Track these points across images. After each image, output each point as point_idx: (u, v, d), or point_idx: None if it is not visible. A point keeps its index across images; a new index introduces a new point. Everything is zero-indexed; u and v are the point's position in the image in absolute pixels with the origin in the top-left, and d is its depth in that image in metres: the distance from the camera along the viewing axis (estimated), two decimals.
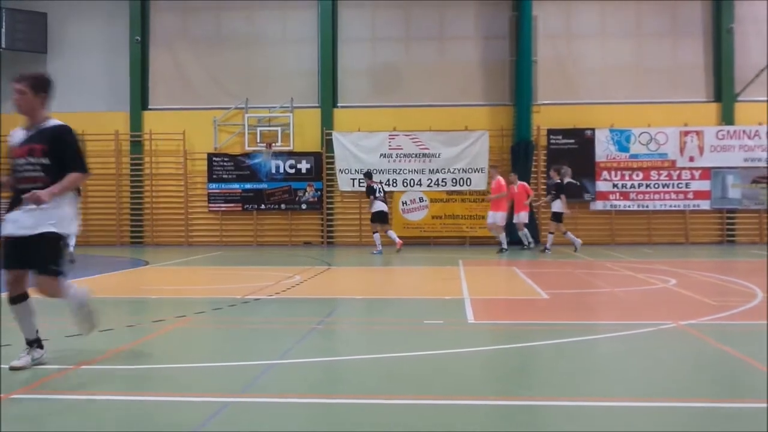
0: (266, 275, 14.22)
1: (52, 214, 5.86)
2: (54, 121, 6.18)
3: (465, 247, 22.66)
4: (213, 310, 9.31)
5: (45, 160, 5.93)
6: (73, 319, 6.26)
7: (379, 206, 19.96)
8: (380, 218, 19.98)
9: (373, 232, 20.18)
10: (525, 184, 21.20)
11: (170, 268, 16.42)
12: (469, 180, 23.63)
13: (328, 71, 24.22)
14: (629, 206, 23.77)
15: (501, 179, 20.31)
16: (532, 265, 16.17)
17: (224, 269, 16.39)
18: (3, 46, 24.18)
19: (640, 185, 23.74)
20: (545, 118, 23.74)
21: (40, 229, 5.83)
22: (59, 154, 5.94)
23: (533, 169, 23.66)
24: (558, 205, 19.73)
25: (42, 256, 5.89)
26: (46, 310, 10.14)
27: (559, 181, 20.03)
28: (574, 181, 21.47)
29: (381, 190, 20.29)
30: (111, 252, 21.32)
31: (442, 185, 23.82)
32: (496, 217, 20.12)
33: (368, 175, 20.87)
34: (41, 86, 6.21)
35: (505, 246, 19.81)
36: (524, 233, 20.81)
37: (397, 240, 19.76)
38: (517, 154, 23.40)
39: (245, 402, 4.98)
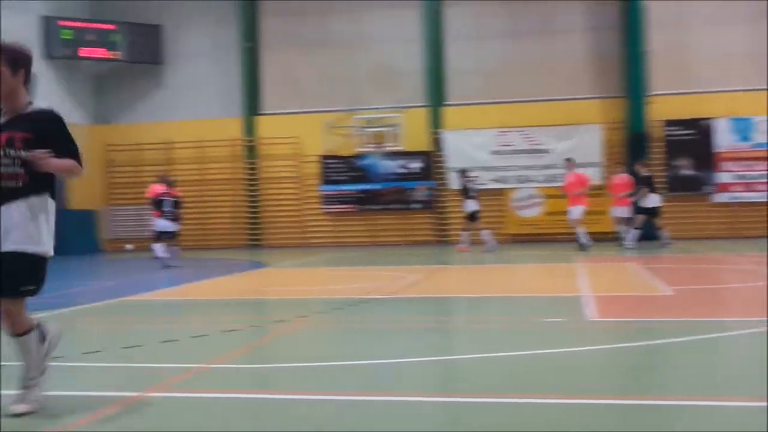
0: (382, 275, 14.34)
1: (25, 226, 4.70)
2: (38, 106, 4.90)
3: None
4: (333, 310, 9.44)
5: (26, 153, 4.67)
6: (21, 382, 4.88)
7: (474, 205, 20.04)
8: (474, 217, 20.04)
9: (480, 230, 20.15)
10: (628, 176, 20.32)
11: (288, 270, 16.75)
12: None
13: (436, 70, 24.22)
14: (753, 198, 22.81)
15: (578, 173, 19.64)
16: (652, 261, 15.71)
17: (341, 270, 16.60)
18: (122, 58, 25.19)
19: (763, 176, 22.74)
20: (661, 108, 23.03)
21: (7, 246, 4.65)
22: (47, 145, 4.69)
23: (650, 162, 22.98)
24: (651, 200, 19.25)
25: (11, 276, 4.66)
26: (167, 310, 10.53)
27: (647, 174, 19.49)
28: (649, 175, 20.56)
29: (474, 188, 20.40)
30: (230, 255, 21.90)
31: (555, 181, 23.42)
32: (576, 212, 19.25)
33: (463, 172, 20.93)
34: (20, 62, 4.83)
35: (585, 242, 18.89)
36: (622, 229, 19.88)
37: (465, 245, 19.77)
38: (631, 147, 22.82)
39: (367, 400, 5.02)
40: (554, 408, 4.73)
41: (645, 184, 19.47)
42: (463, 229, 20.50)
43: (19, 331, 4.80)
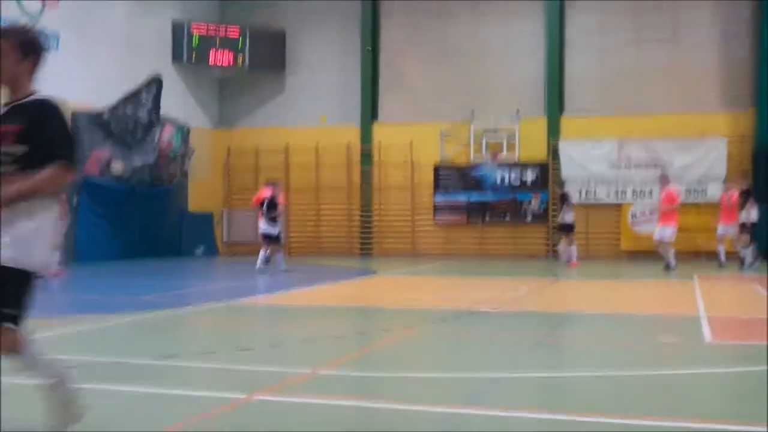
0: (491, 286, 14.23)
1: (12, 233, 3.99)
2: (38, 95, 4.23)
3: (700, 261, 21.39)
4: (439, 321, 9.42)
5: (19, 149, 4.04)
6: (50, 398, 4.20)
7: (570, 217, 19.84)
8: (569, 229, 19.84)
9: (568, 244, 19.99)
10: (735, 192, 18.84)
11: (397, 278, 16.82)
12: (704, 191, 22.32)
13: (555, 79, 23.84)
14: None
15: (673, 189, 18.28)
16: None
17: (449, 279, 16.56)
18: (247, 66, 25.85)
19: None
20: None
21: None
22: (40, 139, 4.04)
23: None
24: (749, 215, 18.12)
25: None
26: (277, 314, 10.72)
27: (746, 188, 18.33)
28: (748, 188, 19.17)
29: (571, 200, 20.30)
30: (341, 261, 22.16)
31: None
32: (665, 233, 17.60)
33: (561, 183, 20.87)
34: (31, 47, 4.26)
35: (672, 263, 17.43)
36: (745, 250, 18.38)
37: (573, 259, 19.43)
38: (758, 162, 21.86)
39: (473, 414, 4.98)
40: (661, 430, 4.58)
41: (744, 197, 18.31)
42: (565, 243, 20.10)
43: (11, 352, 4.09)
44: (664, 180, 18.46)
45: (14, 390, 4.60)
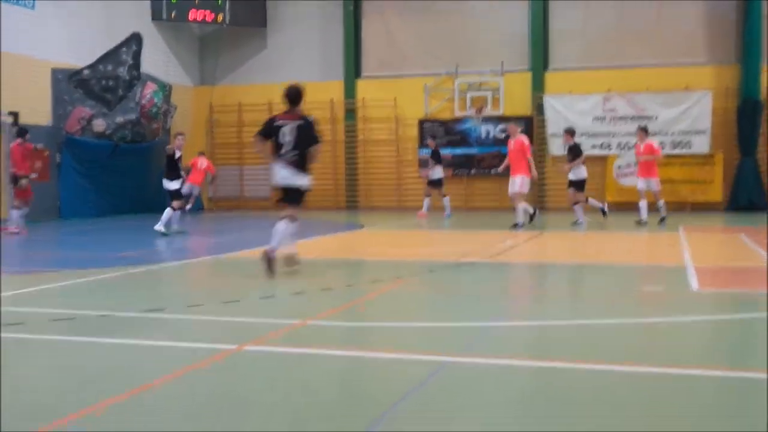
0: (478, 239, 14.24)
1: None
2: None
3: (685, 212, 21.52)
4: (428, 272, 9.42)
5: None
6: None
7: (440, 173, 20.47)
8: (438, 184, 20.50)
9: (427, 196, 20.83)
10: (653, 142, 17.83)
11: (384, 231, 16.80)
12: (689, 143, 22.36)
13: (540, 34, 23.67)
14: None
15: (524, 139, 16.45)
16: (761, 232, 15.09)
17: (436, 233, 16.56)
18: (226, 22, 25.51)
19: None
20: None
21: None
22: None
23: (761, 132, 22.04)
24: (577, 172, 17.11)
25: None
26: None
27: (574, 143, 17.30)
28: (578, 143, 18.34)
29: (441, 156, 21.03)
30: (328, 216, 22.11)
31: (660, 148, 22.67)
32: (516, 184, 16.18)
33: (433, 139, 21.89)
34: None
35: (519, 221, 16.09)
36: (644, 205, 17.23)
37: (424, 211, 20.57)
38: (743, 115, 21.90)
39: (462, 362, 4.98)
40: (654, 377, 4.60)
41: (573, 154, 17.25)
42: (426, 195, 20.86)
43: None
44: (513, 128, 17.02)
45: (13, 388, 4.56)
